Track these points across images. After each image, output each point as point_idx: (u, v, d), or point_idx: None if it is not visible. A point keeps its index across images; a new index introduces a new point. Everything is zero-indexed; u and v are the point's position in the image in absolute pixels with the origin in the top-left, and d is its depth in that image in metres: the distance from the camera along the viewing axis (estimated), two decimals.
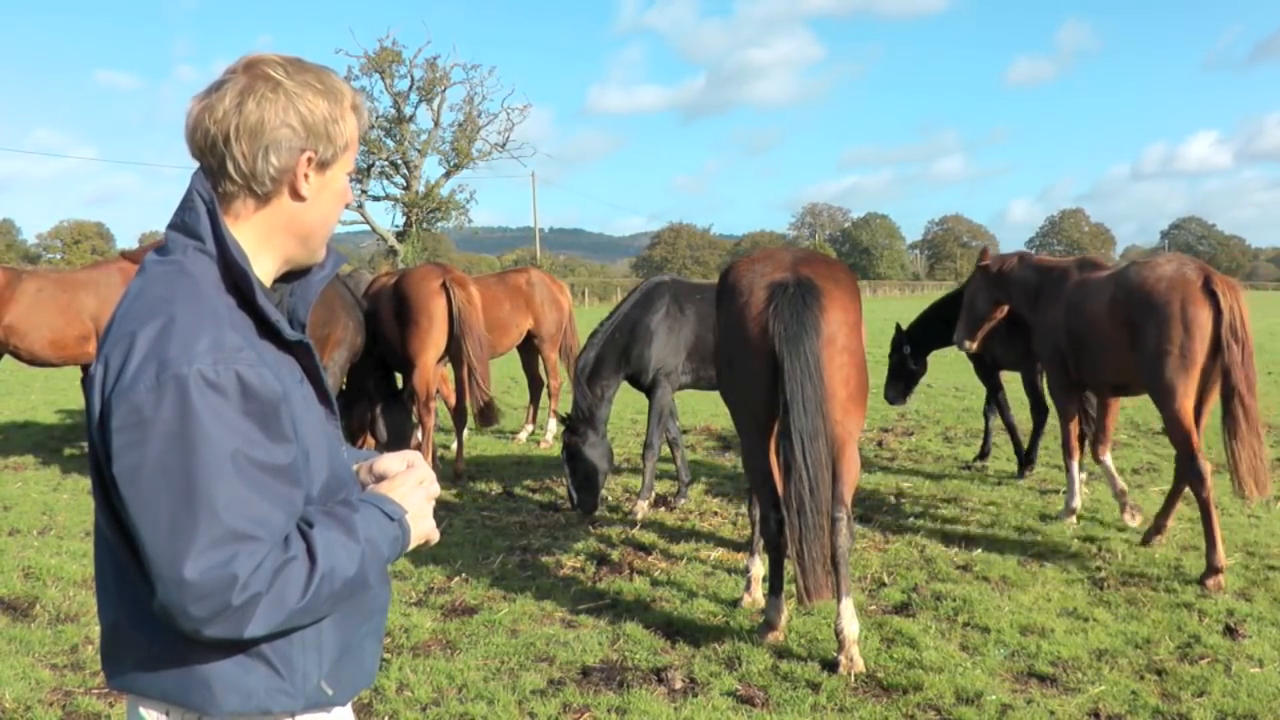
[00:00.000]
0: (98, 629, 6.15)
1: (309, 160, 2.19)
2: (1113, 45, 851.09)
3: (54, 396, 15.57)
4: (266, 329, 2.16)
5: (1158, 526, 8.48)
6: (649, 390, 9.85)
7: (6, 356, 12.05)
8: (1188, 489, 7.97)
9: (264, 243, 2.24)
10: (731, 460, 12.27)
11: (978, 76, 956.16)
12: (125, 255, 12.72)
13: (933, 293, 72.49)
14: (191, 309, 2.06)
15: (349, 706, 2.46)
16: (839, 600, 5.97)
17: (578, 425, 9.53)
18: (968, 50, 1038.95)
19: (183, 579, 1.98)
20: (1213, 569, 7.39)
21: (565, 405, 11.36)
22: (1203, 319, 7.49)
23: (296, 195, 2.22)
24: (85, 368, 12.59)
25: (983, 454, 12.09)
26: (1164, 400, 7.75)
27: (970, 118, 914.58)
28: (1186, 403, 7.66)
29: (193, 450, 1.96)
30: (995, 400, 11.73)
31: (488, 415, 11.42)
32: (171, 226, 2.21)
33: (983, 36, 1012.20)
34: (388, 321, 11.10)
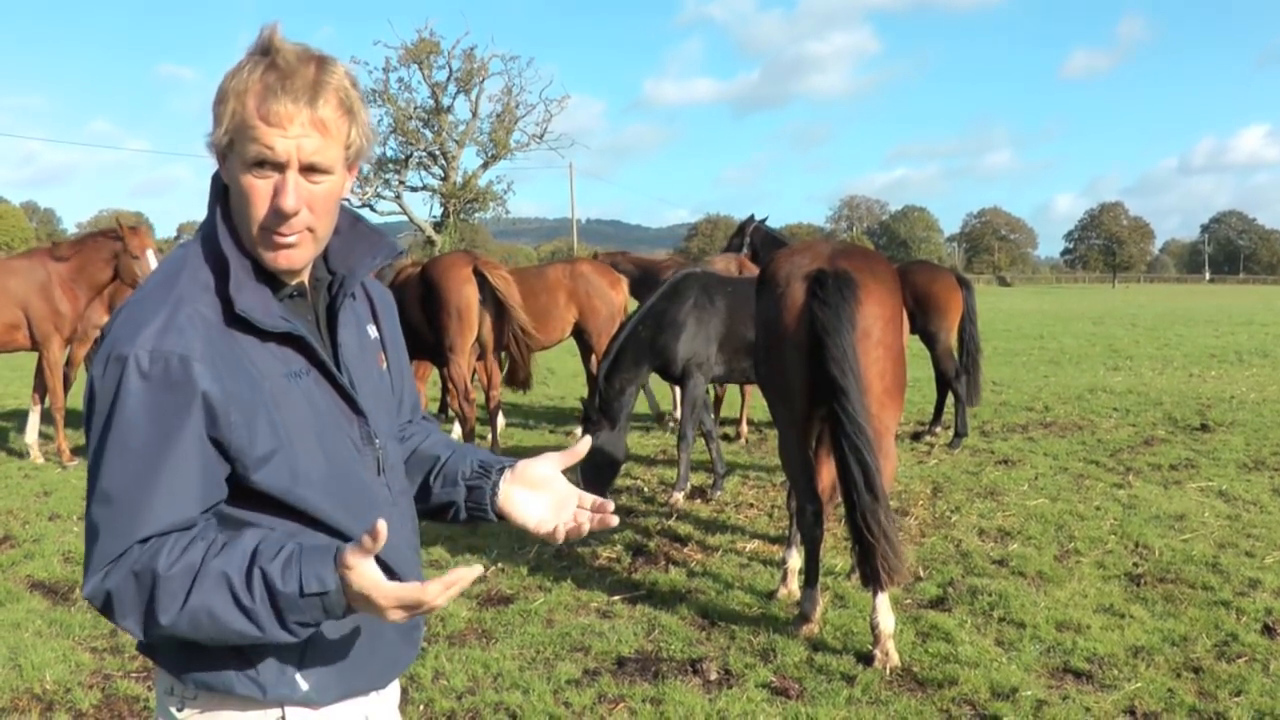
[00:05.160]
0: None
1: (209, 139, 2.14)
2: (1167, 38, 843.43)
3: None
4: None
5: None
6: (680, 382, 9.83)
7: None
8: None
9: None
10: (767, 452, 12.27)
11: (1032, 70, 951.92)
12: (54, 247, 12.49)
13: None
14: (159, 293, 2.10)
15: (389, 697, 2.45)
16: (875, 594, 5.96)
17: (594, 417, 9.51)
18: (1022, 43, 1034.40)
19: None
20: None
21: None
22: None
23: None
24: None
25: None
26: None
27: (1022, 111, 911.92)
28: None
29: (104, 431, 2.02)
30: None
31: (517, 377, 11.56)
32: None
33: (1038, 29, 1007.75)
34: (413, 311, 11.06)
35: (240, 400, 2.07)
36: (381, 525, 1.97)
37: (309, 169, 2.11)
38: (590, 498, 2.45)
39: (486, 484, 2.48)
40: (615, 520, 2.43)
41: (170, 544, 2.02)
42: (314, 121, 2.09)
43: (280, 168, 2.08)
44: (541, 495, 2.46)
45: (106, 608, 2.03)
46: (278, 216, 2.10)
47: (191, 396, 2.02)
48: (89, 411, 2.06)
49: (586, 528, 2.42)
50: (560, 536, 2.42)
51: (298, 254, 2.16)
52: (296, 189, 2.09)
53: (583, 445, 2.49)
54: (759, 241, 13.73)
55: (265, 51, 2.09)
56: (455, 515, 2.53)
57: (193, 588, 1.99)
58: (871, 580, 5.85)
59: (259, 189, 2.09)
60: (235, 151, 2.09)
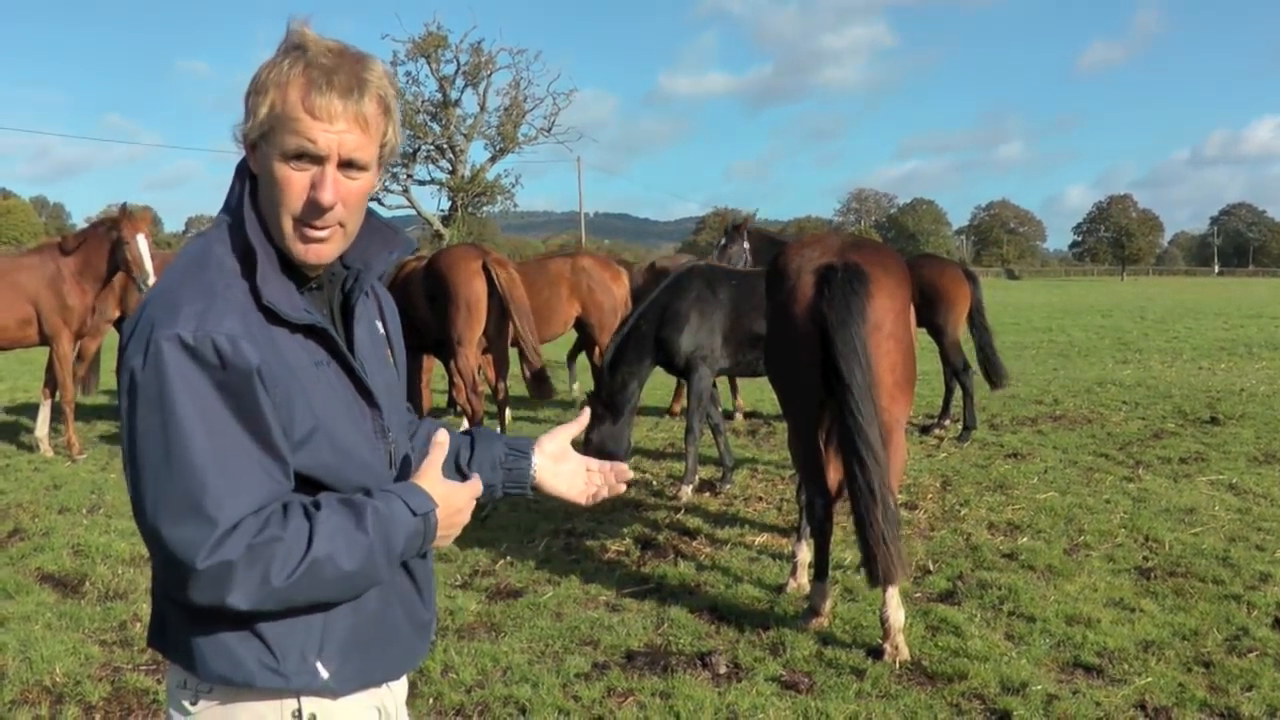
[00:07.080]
0: (146, 606, 6.22)
1: (240, 130, 2.16)
2: (1183, 29, 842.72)
3: (101, 377, 15.70)
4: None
5: None
6: (686, 375, 9.82)
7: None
8: None
9: None
10: (776, 445, 12.25)
11: (1046, 62, 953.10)
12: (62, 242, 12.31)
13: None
14: (191, 279, 2.09)
15: (399, 691, 2.44)
16: (884, 588, 5.95)
17: (598, 410, 9.49)
18: (1038, 35, 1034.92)
19: (159, 539, 2.02)
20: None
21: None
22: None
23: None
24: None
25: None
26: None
27: (1035, 103, 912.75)
28: None
29: (168, 413, 1.98)
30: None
31: (541, 385, 11.41)
32: (225, 202, 2.25)
33: (1054, 21, 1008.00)
34: (419, 304, 11.03)
35: (282, 381, 2.08)
36: (442, 434, 2.35)
37: (347, 164, 2.12)
38: (597, 462, 2.72)
39: (526, 463, 2.64)
40: (629, 475, 2.72)
41: (276, 513, 2.04)
42: (357, 117, 2.11)
43: (319, 161, 2.10)
44: (564, 466, 2.67)
45: (220, 581, 1.99)
46: (314, 209, 2.11)
47: (249, 372, 2.02)
48: (132, 401, 2.02)
49: (605, 492, 2.69)
50: (587, 500, 2.69)
51: (327, 249, 2.18)
52: (335, 183, 2.11)
53: (584, 415, 2.87)
54: (756, 243, 13.61)
55: (303, 47, 2.10)
56: (490, 496, 2.61)
57: (311, 540, 2.03)
58: (876, 579, 5.82)
59: (295, 181, 2.10)
60: (272, 142, 2.10)
